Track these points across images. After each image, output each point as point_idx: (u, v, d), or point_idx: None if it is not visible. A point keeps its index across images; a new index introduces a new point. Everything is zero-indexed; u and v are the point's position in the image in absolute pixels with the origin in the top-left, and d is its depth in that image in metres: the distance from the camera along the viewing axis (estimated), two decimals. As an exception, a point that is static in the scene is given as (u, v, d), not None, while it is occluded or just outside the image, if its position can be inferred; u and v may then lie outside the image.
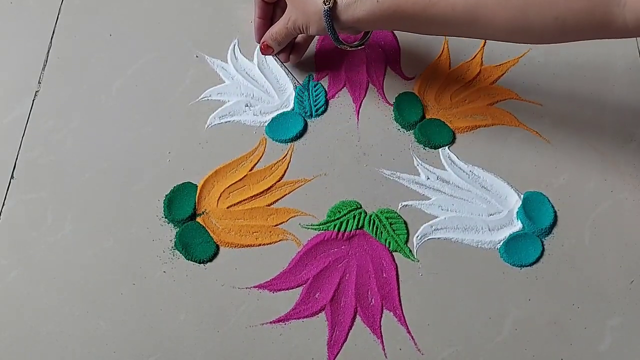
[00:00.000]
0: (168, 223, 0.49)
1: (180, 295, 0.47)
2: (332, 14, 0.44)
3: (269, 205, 0.50)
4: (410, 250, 0.48)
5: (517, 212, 0.50)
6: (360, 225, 0.49)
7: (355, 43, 0.50)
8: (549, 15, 0.37)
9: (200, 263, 0.48)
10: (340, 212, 0.50)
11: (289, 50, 0.54)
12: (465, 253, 0.48)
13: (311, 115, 0.54)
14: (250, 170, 0.52)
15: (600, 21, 0.36)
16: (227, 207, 0.50)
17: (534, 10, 0.37)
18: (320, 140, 0.53)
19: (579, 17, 0.36)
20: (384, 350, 0.45)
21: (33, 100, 0.55)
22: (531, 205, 0.50)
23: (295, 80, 0.55)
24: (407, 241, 0.49)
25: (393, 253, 0.48)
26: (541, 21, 0.37)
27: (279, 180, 0.51)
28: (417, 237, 0.49)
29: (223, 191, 0.51)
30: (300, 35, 0.52)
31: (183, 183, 0.51)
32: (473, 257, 0.48)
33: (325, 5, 0.44)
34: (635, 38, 0.58)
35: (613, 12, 0.35)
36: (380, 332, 0.46)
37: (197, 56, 0.57)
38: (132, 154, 0.53)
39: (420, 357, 0.45)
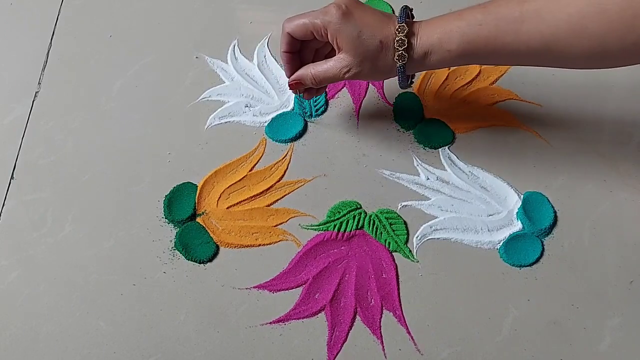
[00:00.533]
0: (168, 223, 0.49)
1: (180, 295, 0.47)
2: (405, 66, 0.43)
3: (268, 205, 0.50)
4: (410, 251, 0.48)
5: (516, 213, 0.50)
6: (360, 225, 0.49)
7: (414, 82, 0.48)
8: (629, 40, 0.36)
9: (200, 263, 0.48)
10: (340, 213, 0.50)
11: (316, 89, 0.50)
12: (465, 253, 0.48)
13: (311, 115, 0.54)
14: (250, 170, 0.52)
15: None
16: (227, 208, 0.50)
17: (613, 38, 0.36)
18: (320, 141, 0.53)
19: None
20: (383, 350, 0.45)
21: (33, 101, 0.55)
22: (531, 205, 0.50)
23: (306, 113, 0.54)
24: (406, 241, 0.49)
25: (393, 253, 0.48)
26: (620, 47, 0.37)
27: (278, 181, 0.51)
28: (417, 237, 0.49)
29: (223, 191, 0.51)
30: None
31: (183, 183, 0.51)
32: (473, 258, 0.48)
33: (400, 61, 0.43)
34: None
35: None
36: (380, 332, 0.46)
37: (197, 57, 0.57)
38: (132, 154, 0.53)
39: (420, 357, 0.45)
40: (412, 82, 0.47)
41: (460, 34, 0.41)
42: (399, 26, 0.42)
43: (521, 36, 0.39)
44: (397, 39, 0.42)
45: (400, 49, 0.42)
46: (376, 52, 0.43)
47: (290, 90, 0.49)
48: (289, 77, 0.48)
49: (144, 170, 0.52)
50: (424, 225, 0.49)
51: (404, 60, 0.43)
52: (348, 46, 0.43)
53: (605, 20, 0.36)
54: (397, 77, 0.45)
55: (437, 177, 0.51)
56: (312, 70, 0.46)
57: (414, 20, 0.44)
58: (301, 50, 0.48)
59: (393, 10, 0.59)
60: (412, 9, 0.45)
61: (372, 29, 0.43)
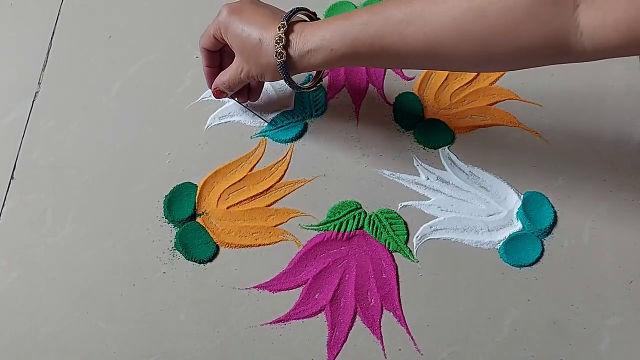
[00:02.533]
0: (168, 223, 0.49)
1: (180, 295, 0.47)
2: (286, 65, 0.43)
3: (268, 205, 0.50)
4: (410, 251, 0.48)
5: (516, 213, 0.50)
6: (360, 225, 0.49)
7: (308, 85, 0.48)
8: (512, 46, 0.36)
9: (200, 263, 0.48)
10: (340, 213, 0.50)
11: (247, 91, 0.52)
12: (465, 253, 0.48)
13: (311, 115, 0.54)
14: (250, 170, 0.52)
15: (560, 50, 0.36)
16: (227, 208, 0.50)
17: (497, 43, 0.37)
18: (320, 141, 0.53)
19: (539, 47, 0.36)
20: (383, 350, 0.45)
21: (33, 101, 0.55)
22: (531, 205, 0.50)
23: (262, 119, 0.54)
24: (406, 241, 0.49)
25: (393, 253, 0.48)
26: (504, 52, 0.37)
27: (278, 181, 0.51)
28: (417, 237, 0.49)
29: (223, 192, 0.51)
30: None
31: (183, 183, 0.51)
32: (473, 258, 0.48)
33: (279, 58, 0.43)
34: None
35: (570, 41, 0.35)
36: (380, 332, 0.46)
37: (197, 57, 0.57)
38: (132, 154, 0.53)
39: (420, 357, 0.45)
40: (314, 87, 0.48)
41: (343, 32, 0.41)
42: (280, 24, 0.43)
43: (406, 38, 0.39)
44: (276, 37, 0.42)
45: (277, 45, 0.42)
46: (257, 49, 0.43)
47: (216, 98, 0.51)
48: (210, 88, 0.51)
49: (144, 170, 0.52)
50: (424, 225, 0.49)
51: (282, 58, 0.43)
52: (235, 44, 0.45)
53: (486, 25, 0.36)
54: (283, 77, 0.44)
55: (437, 177, 0.51)
56: (221, 77, 0.48)
57: (304, 21, 0.44)
58: (221, 64, 0.50)
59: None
60: (314, 13, 0.45)
61: (254, 27, 0.43)
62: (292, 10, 0.44)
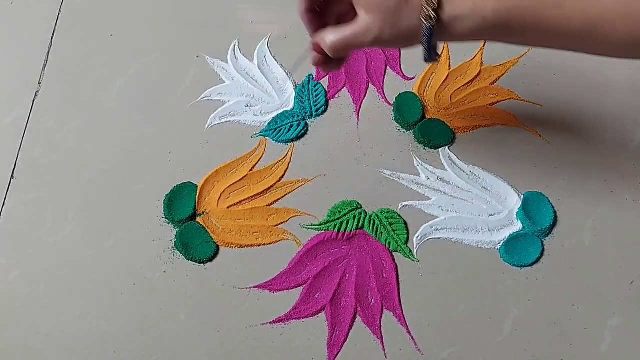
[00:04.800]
0: (168, 223, 0.49)
1: (180, 295, 0.47)
2: (431, 30, 0.37)
3: (269, 205, 0.50)
4: (410, 251, 0.48)
5: (517, 213, 0.50)
6: (360, 225, 0.49)
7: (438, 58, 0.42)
8: None
9: (200, 263, 0.48)
10: (340, 212, 0.50)
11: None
12: (465, 253, 0.48)
13: (311, 115, 0.54)
14: (251, 170, 0.52)
15: None
16: (227, 207, 0.50)
17: None
18: (320, 141, 0.53)
19: None
20: (384, 350, 0.45)
21: (33, 100, 0.55)
22: (531, 205, 0.50)
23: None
24: (407, 241, 0.49)
25: (393, 253, 0.48)
26: None
27: (279, 181, 0.51)
28: (417, 237, 0.49)
29: (223, 191, 0.51)
30: None
31: (183, 183, 0.51)
32: (473, 258, 0.48)
33: (427, 22, 0.37)
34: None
35: None
36: (380, 332, 0.46)
37: (197, 56, 0.57)
38: (132, 154, 0.53)
39: (420, 357, 0.45)
40: (438, 56, 0.41)
41: (498, 1, 0.36)
42: None
43: (564, 11, 0.36)
44: None
45: (428, 7, 0.37)
46: (399, 9, 0.38)
47: (314, 65, 0.43)
48: (312, 37, 0.43)
49: (144, 170, 0.52)
50: (424, 225, 0.49)
51: (433, 22, 0.37)
52: (367, 5, 0.38)
53: None
54: (422, 46, 0.39)
55: (438, 177, 0.51)
56: (329, 37, 0.40)
57: None
58: (322, 14, 0.42)
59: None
60: None
61: None
62: None
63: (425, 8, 0.37)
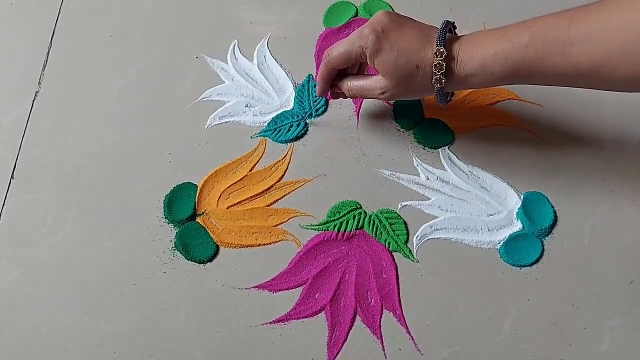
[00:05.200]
0: (168, 223, 0.49)
1: (180, 295, 0.47)
2: (443, 89, 0.42)
3: (268, 205, 0.50)
4: (410, 251, 0.48)
5: (516, 213, 0.50)
6: (360, 225, 0.49)
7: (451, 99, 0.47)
8: None
9: (200, 263, 0.48)
10: (340, 213, 0.50)
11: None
12: (465, 253, 0.48)
13: (311, 115, 0.54)
14: (250, 170, 0.52)
15: None
16: (227, 208, 0.50)
17: None
18: (320, 141, 0.53)
19: None
20: (383, 350, 0.45)
21: (33, 100, 0.55)
22: (531, 205, 0.50)
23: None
24: (407, 241, 0.49)
25: (393, 253, 0.48)
26: None
27: (278, 181, 0.51)
28: (417, 237, 0.49)
29: (223, 191, 0.51)
30: None
31: (183, 183, 0.51)
32: (473, 258, 0.48)
33: (436, 85, 0.42)
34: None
35: None
36: (380, 332, 0.46)
37: (197, 57, 0.57)
38: (132, 154, 0.53)
39: (420, 357, 0.45)
40: (451, 99, 0.46)
41: (504, 57, 0.39)
42: (437, 50, 0.41)
43: (570, 59, 0.37)
44: (435, 63, 0.41)
45: (438, 73, 0.41)
46: (412, 76, 0.42)
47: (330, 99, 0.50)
48: (318, 95, 0.50)
49: (144, 170, 0.52)
50: (424, 225, 0.49)
51: (442, 85, 0.41)
52: (384, 70, 0.43)
53: None
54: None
55: (437, 177, 0.51)
56: (349, 83, 0.46)
57: (454, 36, 0.42)
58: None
59: (392, 10, 0.59)
60: (453, 22, 0.43)
61: (408, 53, 0.41)
62: (442, 30, 0.41)
63: (435, 73, 0.41)
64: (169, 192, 0.50)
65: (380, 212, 0.50)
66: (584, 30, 0.37)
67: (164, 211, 0.50)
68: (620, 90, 0.39)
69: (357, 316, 0.46)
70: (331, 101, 0.55)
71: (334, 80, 0.48)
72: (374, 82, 0.45)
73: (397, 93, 0.44)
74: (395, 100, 0.45)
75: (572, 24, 0.37)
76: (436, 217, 0.50)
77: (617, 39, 0.36)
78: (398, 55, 0.42)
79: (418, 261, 0.48)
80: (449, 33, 0.43)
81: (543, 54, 0.38)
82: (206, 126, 0.54)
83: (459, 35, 0.43)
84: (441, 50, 0.41)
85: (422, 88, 0.43)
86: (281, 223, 0.50)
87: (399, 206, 0.50)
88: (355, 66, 0.48)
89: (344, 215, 0.50)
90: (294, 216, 0.50)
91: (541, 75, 0.39)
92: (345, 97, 0.49)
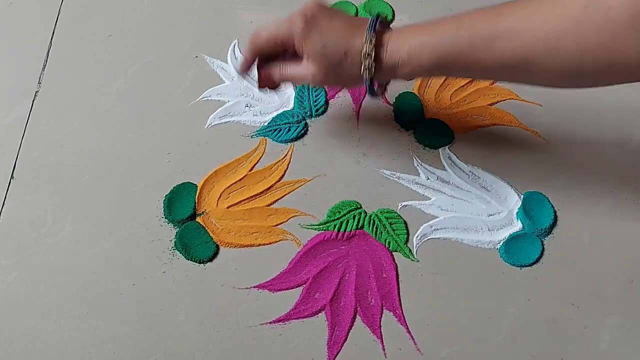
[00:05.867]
0: (168, 223, 0.49)
1: (180, 295, 0.47)
2: (372, 77, 0.42)
3: (268, 205, 0.50)
4: (410, 250, 0.48)
5: (517, 212, 0.50)
6: (360, 225, 0.49)
7: (381, 93, 0.47)
8: (603, 62, 0.35)
9: (200, 263, 0.48)
10: (340, 212, 0.50)
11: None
12: (465, 253, 0.48)
13: (311, 115, 0.54)
14: (250, 170, 0.52)
15: None
16: (227, 207, 0.50)
17: (589, 59, 0.35)
18: (320, 141, 0.53)
19: (636, 63, 0.35)
20: (383, 350, 0.45)
21: (33, 101, 0.55)
22: (531, 205, 0.50)
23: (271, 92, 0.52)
24: (407, 241, 0.49)
25: (393, 253, 0.48)
26: (594, 68, 0.36)
27: (278, 181, 0.51)
28: (417, 237, 0.49)
29: (223, 191, 0.51)
30: None
31: (183, 183, 0.51)
32: (473, 257, 0.48)
33: (364, 73, 0.42)
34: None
35: None
36: (380, 332, 0.46)
37: (196, 56, 0.57)
38: (132, 154, 0.53)
39: (420, 357, 0.45)
40: (384, 92, 0.46)
41: (431, 48, 0.40)
42: (367, 37, 0.41)
43: (494, 53, 0.38)
44: (363, 51, 0.41)
45: (365, 61, 0.41)
46: (340, 63, 0.42)
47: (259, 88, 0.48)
48: (240, 72, 0.48)
49: (144, 170, 0.52)
50: (424, 225, 0.49)
51: (371, 74, 0.41)
52: (313, 57, 0.43)
53: (582, 40, 0.35)
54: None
55: (437, 177, 0.51)
56: (281, 68, 0.46)
57: (386, 29, 0.42)
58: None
59: (393, 12, 0.59)
60: (386, 17, 0.43)
61: (336, 40, 0.42)
62: (373, 20, 0.41)
63: (364, 61, 0.41)
64: (169, 192, 0.50)
65: (381, 212, 0.50)
66: (509, 25, 0.37)
67: (164, 211, 0.50)
68: (550, 86, 0.40)
69: (357, 316, 0.46)
70: (331, 101, 0.55)
71: (267, 66, 0.47)
72: (303, 68, 0.44)
73: (325, 80, 0.43)
74: (324, 85, 0.45)
75: (497, 19, 0.37)
76: (436, 217, 0.50)
77: (541, 35, 0.36)
78: (326, 41, 0.42)
79: (418, 261, 0.48)
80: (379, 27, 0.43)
81: (469, 48, 0.38)
82: (206, 126, 0.54)
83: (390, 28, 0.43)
84: (371, 37, 0.41)
85: (350, 76, 0.43)
86: (281, 223, 0.50)
87: (399, 206, 0.50)
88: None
89: (344, 215, 0.50)
90: (294, 216, 0.50)
91: (470, 69, 0.40)
92: (274, 86, 0.48)
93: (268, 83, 0.48)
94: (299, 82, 0.46)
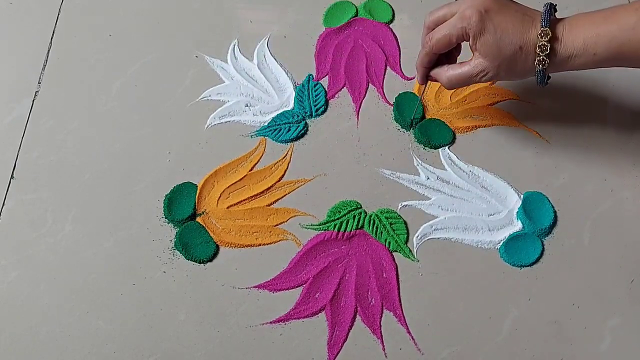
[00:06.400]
0: (168, 223, 0.49)
1: (180, 295, 0.47)
2: (545, 70, 0.42)
3: (269, 205, 0.50)
4: (410, 250, 0.48)
5: (517, 212, 0.50)
6: (360, 225, 0.49)
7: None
8: None
9: (200, 263, 0.48)
10: (340, 212, 0.50)
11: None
12: (465, 253, 0.48)
13: (311, 115, 0.54)
14: (250, 170, 0.52)
15: None
16: (227, 207, 0.50)
17: None
18: (320, 140, 0.53)
19: None
20: (384, 350, 0.45)
21: (33, 100, 0.55)
22: (531, 205, 0.50)
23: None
24: (407, 241, 0.49)
25: (393, 253, 0.48)
26: None
27: (278, 180, 0.51)
28: (417, 237, 0.49)
29: (223, 191, 0.51)
30: None
31: (183, 183, 0.51)
32: (473, 257, 0.48)
33: (539, 65, 0.42)
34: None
35: None
36: (380, 332, 0.46)
37: (197, 56, 0.57)
38: (132, 154, 0.53)
39: (420, 357, 0.45)
40: (547, 82, 0.45)
41: (609, 38, 0.39)
42: (542, 31, 0.41)
43: None
44: (539, 44, 0.41)
45: (542, 54, 0.41)
46: (515, 57, 0.42)
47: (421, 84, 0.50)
48: (421, 84, 0.49)
49: (144, 170, 0.52)
50: (424, 225, 0.49)
51: (545, 66, 0.42)
52: (486, 52, 0.43)
53: None
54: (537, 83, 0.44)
55: (438, 177, 0.51)
56: (447, 72, 0.46)
57: (557, 18, 0.42)
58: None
59: (393, 12, 0.59)
60: (555, 5, 0.43)
61: (511, 35, 0.42)
62: (547, 12, 0.41)
63: (538, 55, 0.41)
64: (169, 192, 0.50)
65: (381, 212, 0.50)
66: None
67: (164, 211, 0.50)
68: None
69: (358, 316, 0.46)
70: (331, 101, 0.55)
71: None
72: (472, 67, 0.44)
73: (497, 75, 0.44)
74: (490, 81, 0.46)
75: None
76: (436, 217, 0.50)
77: None
78: (501, 36, 0.42)
79: (418, 261, 0.48)
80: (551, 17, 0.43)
81: None
82: (206, 126, 0.54)
83: (559, 18, 0.43)
84: (546, 31, 0.41)
85: (523, 70, 0.43)
86: (281, 223, 0.49)
87: (399, 206, 0.50)
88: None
89: (344, 215, 0.49)
90: (294, 216, 0.50)
91: None
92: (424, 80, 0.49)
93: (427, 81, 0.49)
94: (466, 81, 0.45)
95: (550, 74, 0.45)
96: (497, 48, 0.42)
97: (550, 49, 0.41)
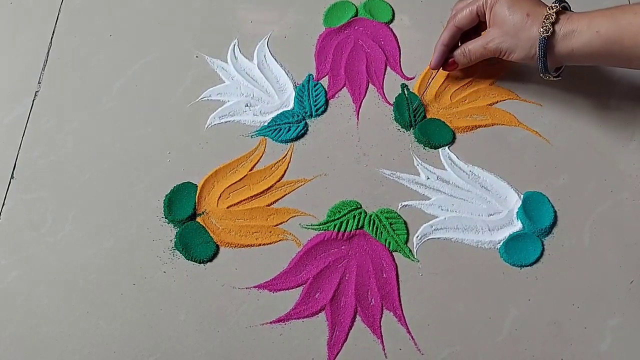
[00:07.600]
0: (168, 223, 0.49)
1: (180, 295, 0.47)
2: (547, 42, 0.45)
3: (269, 205, 0.50)
4: (410, 250, 0.48)
5: (517, 212, 0.50)
6: (360, 225, 0.49)
7: (555, 74, 0.49)
8: None
9: (200, 263, 0.48)
10: (340, 212, 0.50)
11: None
12: (465, 253, 0.48)
13: (311, 115, 0.54)
14: (250, 170, 0.52)
15: None
16: (227, 207, 0.50)
17: None
18: (320, 140, 0.53)
19: None
20: (384, 350, 0.45)
21: (33, 100, 0.55)
22: (531, 205, 0.50)
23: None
24: (407, 241, 0.49)
25: (393, 253, 0.48)
26: None
27: (279, 180, 0.51)
28: (417, 237, 0.49)
29: (223, 191, 0.51)
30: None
31: (183, 183, 0.51)
32: (473, 257, 0.48)
33: (543, 33, 0.45)
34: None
35: None
36: (380, 332, 0.46)
37: (197, 56, 0.57)
38: (132, 154, 0.53)
39: (420, 357, 0.45)
40: (558, 76, 0.49)
41: (613, 19, 0.43)
42: (553, 4, 0.45)
43: None
44: (546, 14, 0.45)
45: (547, 22, 0.44)
46: (521, 23, 0.46)
47: (444, 70, 0.54)
48: (434, 68, 0.53)
49: (144, 170, 0.52)
50: (424, 225, 0.49)
51: (548, 32, 0.44)
52: (496, 19, 0.47)
53: None
54: (537, 63, 0.47)
55: (438, 177, 0.51)
56: (464, 47, 0.51)
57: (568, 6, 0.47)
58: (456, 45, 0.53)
59: (393, 12, 0.59)
60: (568, 4, 0.47)
61: (522, 5, 0.46)
62: None
63: (544, 22, 0.45)
64: (169, 192, 0.50)
65: (381, 212, 0.50)
66: None
67: (164, 211, 0.50)
68: None
69: (358, 316, 0.46)
70: (331, 101, 0.55)
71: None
72: (483, 37, 0.49)
73: (502, 41, 0.48)
74: (499, 55, 0.49)
75: None
76: (436, 217, 0.50)
77: None
78: (512, 6, 0.46)
79: (418, 261, 0.48)
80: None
81: None
82: (206, 126, 0.54)
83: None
84: (556, 4, 0.45)
85: (528, 38, 0.46)
86: (281, 223, 0.50)
87: (399, 206, 0.50)
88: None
89: (344, 215, 0.49)
90: (294, 216, 0.50)
91: None
92: (453, 68, 0.53)
93: (454, 68, 0.53)
94: (480, 50, 0.50)
95: (560, 68, 0.48)
96: (506, 15, 0.46)
97: (555, 18, 0.45)
